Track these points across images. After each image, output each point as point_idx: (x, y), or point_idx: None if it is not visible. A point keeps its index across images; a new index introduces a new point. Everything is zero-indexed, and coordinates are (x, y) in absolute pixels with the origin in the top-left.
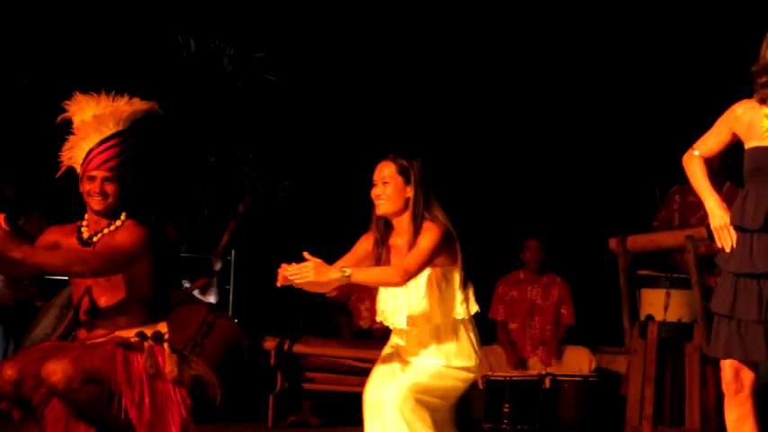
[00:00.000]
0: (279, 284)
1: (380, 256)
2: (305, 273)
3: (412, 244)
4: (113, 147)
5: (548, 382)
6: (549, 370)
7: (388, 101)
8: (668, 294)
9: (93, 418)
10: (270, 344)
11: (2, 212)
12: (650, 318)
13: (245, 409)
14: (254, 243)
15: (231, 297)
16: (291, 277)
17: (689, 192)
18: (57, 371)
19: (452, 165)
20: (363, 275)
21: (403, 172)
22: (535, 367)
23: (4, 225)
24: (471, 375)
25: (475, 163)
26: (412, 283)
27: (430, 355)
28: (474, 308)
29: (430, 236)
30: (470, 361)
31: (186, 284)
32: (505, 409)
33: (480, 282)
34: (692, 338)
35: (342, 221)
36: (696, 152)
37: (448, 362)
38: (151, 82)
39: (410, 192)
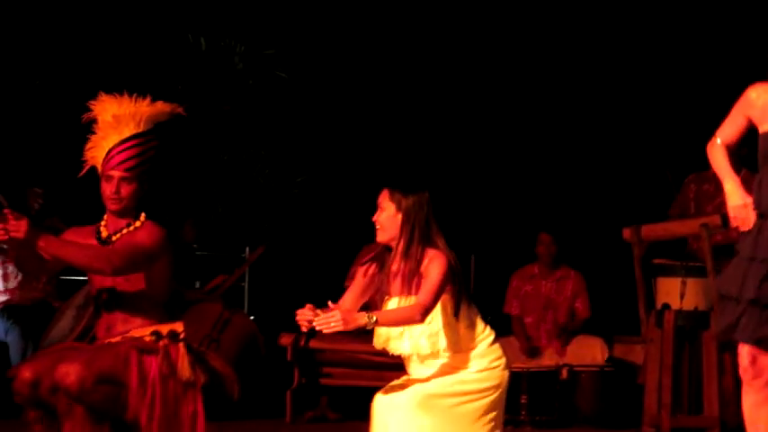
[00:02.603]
0: (303, 329)
1: (380, 282)
2: (333, 323)
3: (407, 273)
4: (132, 147)
5: (565, 373)
6: (563, 360)
7: (400, 95)
8: (684, 283)
9: (107, 417)
10: (286, 340)
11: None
12: (666, 306)
13: (263, 405)
14: (269, 239)
15: (247, 293)
16: (319, 327)
17: (704, 180)
18: (69, 373)
19: (465, 159)
20: (387, 319)
21: (395, 200)
22: (551, 358)
23: (17, 214)
24: (493, 393)
25: (487, 156)
26: None
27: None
28: (490, 337)
29: (438, 266)
30: (490, 380)
31: (197, 284)
32: (523, 401)
33: (495, 276)
34: (708, 326)
35: (355, 217)
36: (718, 140)
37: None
38: (162, 81)
39: (401, 219)
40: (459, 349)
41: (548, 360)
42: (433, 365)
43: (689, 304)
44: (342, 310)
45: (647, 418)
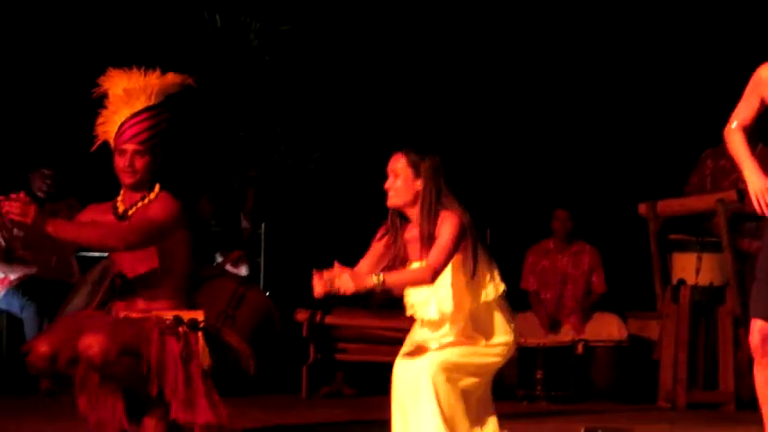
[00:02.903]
0: (317, 296)
1: (398, 249)
2: (343, 285)
3: (426, 236)
4: (144, 120)
5: (580, 348)
6: (580, 337)
7: (416, 72)
8: (700, 258)
9: (125, 389)
10: (302, 315)
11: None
12: (682, 282)
13: (279, 380)
14: (285, 215)
15: (262, 270)
16: (329, 288)
17: (721, 156)
18: (93, 345)
19: (480, 134)
20: (395, 279)
21: (413, 165)
22: (568, 334)
23: (31, 204)
24: (507, 350)
25: (503, 130)
26: None
27: (464, 341)
28: (501, 287)
29: (449, 226)
30: (506, 336)
31: (219, 258)
32: (538, 376)
33: (511, 252)
34: (724, 302)
35: (371, 193)
36: (734, 124)
37: (485, 342)
38: (179, 59)
39: (420, 185)
40: (472, 315)
41: (564, 336)
42: (452, 331)
43: (704, 280)
44: (350, 271)
45: (662, 393)
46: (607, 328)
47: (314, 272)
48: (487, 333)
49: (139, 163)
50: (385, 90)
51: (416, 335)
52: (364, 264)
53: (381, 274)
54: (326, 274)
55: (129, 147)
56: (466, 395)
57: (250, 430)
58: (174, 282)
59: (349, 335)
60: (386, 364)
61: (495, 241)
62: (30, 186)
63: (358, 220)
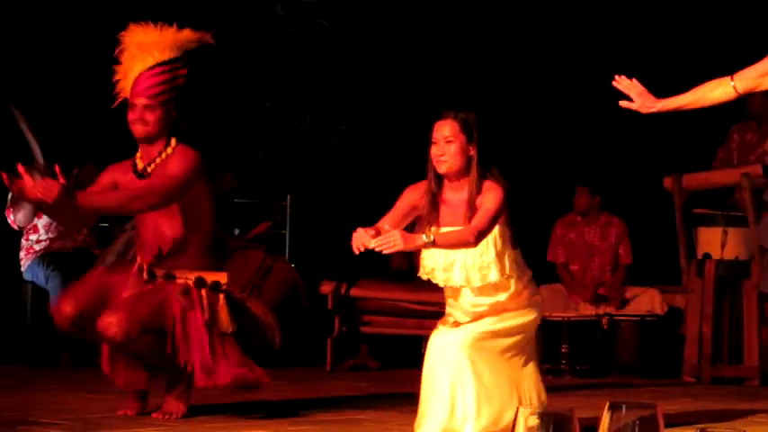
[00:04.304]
0: (356, 251)
1: (430, 213)
2: (393, 242)
3: (472, 202)
4: (157, 75)
5: (605, 323)
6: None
7: (442, 44)
8: (725, 232)
9: (146, 363)
10: (327, 288)
11: (56, 163)
12: (707, 256)
13: (304, 353)
14: (310, 188)
15: (288, 242)
16: (379, 248)
17: (747, 130)
18: (113, 324)
19: (506, 108)
20: (444, 239)
21: (466, 130)
22: (604, 308)
23: (60, 177)
24: (537, 310)
25: (527, 106)
26: None
27: (492, 305)
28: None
29: (495, 195)
30: (531, 297)
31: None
32: (563, 350)
33: (535, 224)
34: (749, 276)
35: (397, 165)
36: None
37: (513, 305)
38: (204, 28)
39: (473, 150)
40: (514, 284)
41: (601, 310)
42: (479, 301)
43: (730, 254)
44: (400, 231)
45: (687, 367)
46: (648, 304)
47: (363, 229)
48: (507, 301)
49: (150, 117)
50: (410, 63)
51: (454, 307)
52: (386, 221)
53: (432, 235)
54: (369, 230)
55: (140, 101)
56: (504, 357)
57: (274, 402)
58: (199, 238)
59: (374, 307)
60: (411, 337)
61: (518, 214)
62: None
63: (383, 193)
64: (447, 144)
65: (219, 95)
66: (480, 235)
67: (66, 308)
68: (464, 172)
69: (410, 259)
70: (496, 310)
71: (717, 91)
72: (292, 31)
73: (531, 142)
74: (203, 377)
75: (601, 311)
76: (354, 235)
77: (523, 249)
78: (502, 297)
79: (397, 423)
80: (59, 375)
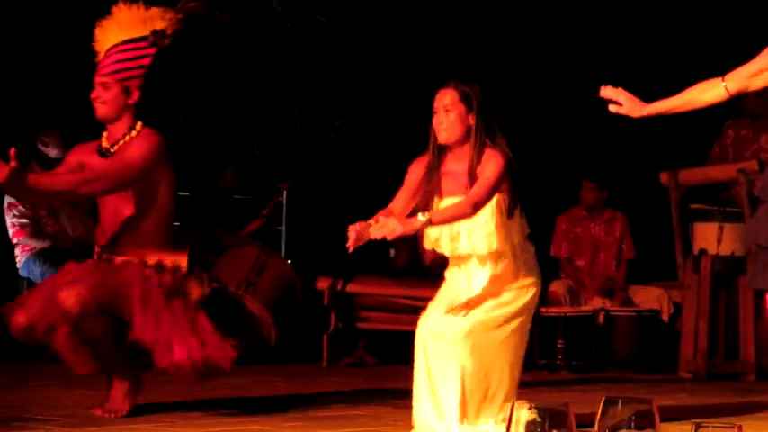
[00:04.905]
0: (351, 247)
1: (433, 184)
2: (393, 227)
3: (473, 172)
4: (117, 53)
5: (601, 318)
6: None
7: (441, 39)
8: (721, 228)
9: (98, 350)
10: (323, 284)
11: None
12: (703, 252)
13: (300, 349)
14: (306, 184)
15: (284, 237)
16: (376, 235)
17: (742, 125)
18: (70, 296)
19: (503, 106)
20: (440, 216)
21: (465, 99)
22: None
23: (12, 160)
24: (535, 290)
25: (526, 102)
26: None
27: (493, 279)
28: (526, 230)
29: (495, 164)
30: (533, 274)
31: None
32: (559, 345)
33: (539, 218)
34: (745, 272)
35: (393, 161)
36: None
37: (513, 281)
38: (201, 24)
39: (472, 119)
40: (512, 253)
41: (598, 303)
42: (482, 275)
43: (726, 249)
44: (396, 216)
45: (683, 363)
46: (652, 303)
47: (349, 227)
48: (508, 275)
49: (105, 96)
50: (408, 59)
51: (449, 284)
52: (400, 199)
53: (427, 214)
54: (360, 225)
55: (97, 79)
56: (498, 348)
57: (271, 398)
58: (158, 222)
59: (370, 303)
60: (408, 333)
61: (521, 199)
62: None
63: (379, 188)
64: (446, 113)
65: (215, 91)
66: (476, 206)
67: (18, 318)
68: (464, 142)
69: (416, 255)
70: (496, 287)
71: (709, 93)
72: (288, 27)
73: (530, 140)
74: (164, 356)
75: (608, 306)
76: (351, 233)
77: None
78: (500, 268)
79: (392, 419)
80: (54, 372)
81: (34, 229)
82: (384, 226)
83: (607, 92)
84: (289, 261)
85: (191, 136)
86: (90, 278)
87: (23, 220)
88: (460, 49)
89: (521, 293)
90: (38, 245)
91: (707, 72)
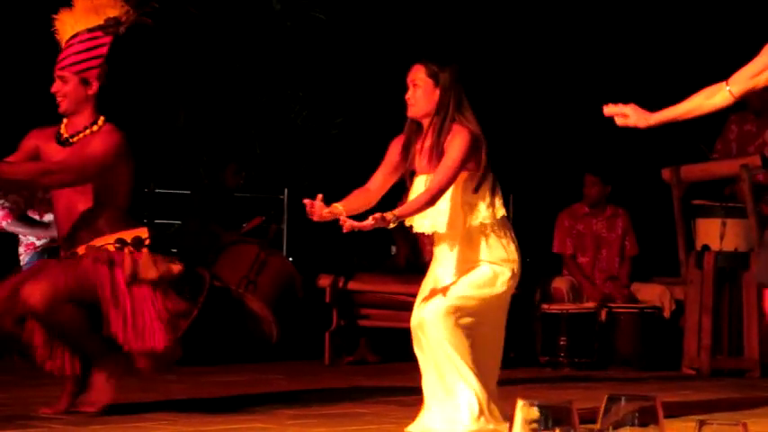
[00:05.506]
0: (346, 230)
1: (409, 162)
2: (363, 227)
3: (437, 147)
4: (72, 45)
5: (604, 315)
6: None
7: (442, 36)
8: (724, 224)
9: (72, 343)
10: (324, 281)
11: None
12: (706, 248)
13: (302, 346)
14: (307, 181)
15: (285, 235)
16: (358, 227)
17: (746, 120)
18: (34, 292)
19: (503, 103)
20: (405, 211)
21: (432, 75)
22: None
23: None
24: (510, 272)
25: (527, 99)
26: None
27: (463, 259)
28: (500, 212)
29: (458, 143)
30: (506, 254)
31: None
32: (562, 342)
33: (533, 218)
34: (748, 267)
35: None
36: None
37: (484, 258)
38: (200, 23)
39: (438, 95)
40: (481, 231)
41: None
42: (450, 255)
43: (729, 245)
44: (372, 191)
45: (686, 359)
46: (659, 301)
47: (308, 200)
48: (477, 253)
49: (64, 89)
50: (407, 56)
51: (429, 275)
52: (378, 175)
53: (392, 214)
54: (317, 203)
55: (56, 73)
56: (470, 334)
57: (273, 396)
58: (117, 212)
59: (372, 300)
60: (409, 331)
61: (518, 207)
62: None
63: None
64: (414, 88)
65: (216, 89)
66: (434, 197)
67: None
68: (435, 117)
69: (417, 252)
70: (467, 266)
71: (714, 98)
72: (288, 25)
73: (525, 138)
74: (130, 340)
75: (612, 299)
76: (310, 208)
77: (526, 242)
78: (482, 247)
79: (395, 416)
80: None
81: (20, 214)
82: (361, 225)
83: (610, 109)
84: (290, 259)
85: (192, 134)
86: (53, 273)
87: (10, 205)
88: (462, 46)
89: (495, 271)
90: (27, 231)
91: (707, 72)
